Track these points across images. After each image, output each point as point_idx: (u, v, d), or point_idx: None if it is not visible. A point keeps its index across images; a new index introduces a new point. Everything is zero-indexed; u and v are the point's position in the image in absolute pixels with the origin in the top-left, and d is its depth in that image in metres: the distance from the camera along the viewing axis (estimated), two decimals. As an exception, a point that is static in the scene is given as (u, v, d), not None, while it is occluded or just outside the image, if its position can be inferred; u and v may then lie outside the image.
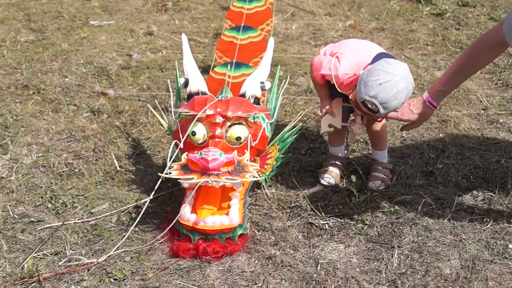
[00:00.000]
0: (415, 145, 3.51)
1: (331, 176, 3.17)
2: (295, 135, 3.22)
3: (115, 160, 3.34)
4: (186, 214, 2.66)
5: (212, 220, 2.62)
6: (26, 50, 4.80)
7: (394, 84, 2.56)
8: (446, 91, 2.85)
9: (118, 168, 3.28)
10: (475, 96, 4.05)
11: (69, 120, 3.77)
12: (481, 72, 4.32)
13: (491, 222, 2.86)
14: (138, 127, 3.70)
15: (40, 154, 3.44)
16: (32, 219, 2.91)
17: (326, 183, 3.16)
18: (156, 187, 2.81)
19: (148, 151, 3.46)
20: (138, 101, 3.98)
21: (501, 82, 4.24)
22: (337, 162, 3.24)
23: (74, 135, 3.62)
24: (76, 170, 3.29)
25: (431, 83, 4.14)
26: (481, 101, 3.98)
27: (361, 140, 3.49)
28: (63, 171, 3.28)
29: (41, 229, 2.84)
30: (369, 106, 2.65)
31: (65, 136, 3.62)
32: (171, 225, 2.68)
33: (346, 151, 3.40)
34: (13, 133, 3.64)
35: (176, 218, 2.67)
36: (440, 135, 3.61)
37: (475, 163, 3.31)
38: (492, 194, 3.06)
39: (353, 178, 3.17)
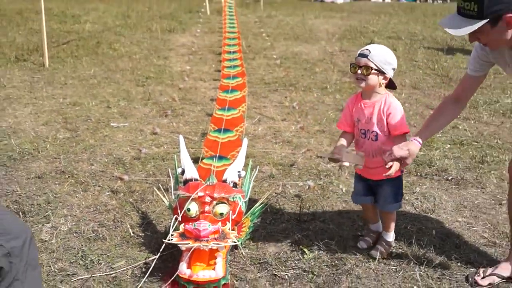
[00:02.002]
0: (348, 215, 3.56)
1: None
2: (262, 210, 3.28)
3: (129, 228, 3.34)
4: (183, 269, 2.66)
5: (202, 273, 2.64)
6: (63, 145, 4.80)
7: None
8: (427, 135, 2.82)
9: (132, 234, 3.28)
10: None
11: (95, 198, 3.77)
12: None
13: (402, 271, 2.92)
14: (146, 203, 3.70)
15: (73, 223, 3.42)
16: (68, 272, 2.89)
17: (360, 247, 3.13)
18: (161, 249, 2.85)
19: (154, 222, 3.46)
20: (146, 184, 4.00)
21: (406, 170, 4.35)
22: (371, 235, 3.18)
23: (99, 209, 3.62)
24: (101, 235, 3.28)
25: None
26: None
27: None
28: (90, 236, 3.27)
29: (75, 280, 2.82)
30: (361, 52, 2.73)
31: (92, 210, 3.61)
32: (173, 278, 2.68)
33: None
34: (53, 207, 3.62)
35: (176, 273, 2.68)
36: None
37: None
38: (403, 252, 3.11)
39: (305, 241, 3.22)
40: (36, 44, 9.00)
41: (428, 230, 3.36)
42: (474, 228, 3.41)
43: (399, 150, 2.61)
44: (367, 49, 2.71)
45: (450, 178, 4.17)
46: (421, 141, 2.69)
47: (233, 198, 2.92)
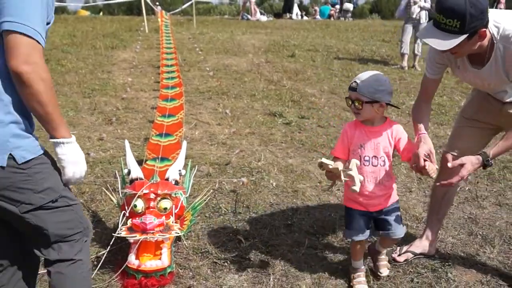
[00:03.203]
0: (279, 207, 3.59)
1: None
2: (202, 204, 3.25)
3: (80, 226, 3.22)
4: (132, 260, 2.61)
5: (150, 263, 2.59)
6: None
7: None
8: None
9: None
10: (313, 174, 4.20)
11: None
12: (314, 158, 4.51)
13: (325, 255, 2.97)
14: (96, 203, 3.57)
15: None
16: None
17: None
18: (111, 243, 2.74)
19: (103, 219, 3.35)
20: (95, 185, 3.86)
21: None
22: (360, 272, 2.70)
23: (50, 210, 3.47)
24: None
25: (285, 167, 4.29)
26: (317, 177, 4.14)
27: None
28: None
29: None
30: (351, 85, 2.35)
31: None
32: (122, 268, 2.61)
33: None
34: None
35: (125, 264, 2.61)
36: (294, 200, 3.71)
37: (316, 217, 3.44)
38: (328, 237, 3.18)
39: (241, 231, 3.21)
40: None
41: (348, 216, 3.43)
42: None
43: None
44: (355, 82, 2.35)
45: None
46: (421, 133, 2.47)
47: (175, 194, 2.87)
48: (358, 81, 2.33)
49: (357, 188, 2.17)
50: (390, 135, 2.46)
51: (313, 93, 6.93)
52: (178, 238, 3.00)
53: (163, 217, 2.73)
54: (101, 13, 24.75)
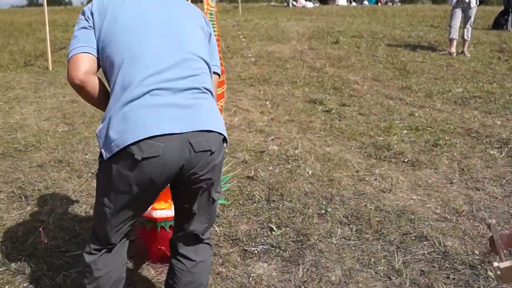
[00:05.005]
0: (313, 195, 3.49)
1: None
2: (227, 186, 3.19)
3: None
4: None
5: (160, 212, 2.47)
6: (62, 137, 4.69)
7: None
8: None
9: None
10: (350, 163, 4.09)
11: (87, 183, 3.65)
12: (353, 147, 4.39)
13: (360, 244, 2.86)
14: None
15: (68, 206, 3.33)
16: (62, 249, 2.82)
17: None
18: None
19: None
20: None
21: (366, 154, 4.31)
22: None
23: (90, 193, 3.50)
24: (91, 216, 3.16)
25: (322, 155, 4.18)
26: (354, 166, 4.02)
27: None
28: (83, 217, 3.18)
29: (68, 255, 2.76)
30: None
31: (85, 194, 3.51)
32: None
33: None
34: (52, 192, 3.52)
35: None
36: (329, 189, 3.61)
37: (351, 207, 3.33)
38: (362, 228, 3.06)
39: (273, 219, 3.15)
40: (42, 51, 8.94)
41: (386, 208, 3.30)
42: (428, 205, 3.35)
43: None
44: None
45: (406, 160, 4.12)
46: None
47: None
48: None
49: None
50: None
51: (355, 80, 6.75)
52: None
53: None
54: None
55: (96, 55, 1.81)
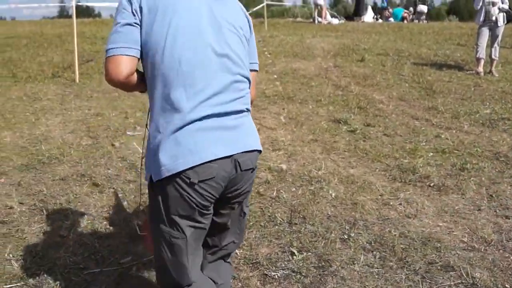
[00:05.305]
0: (336, 219, 3.41)
1: None
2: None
3: (137, 227, 3.20)
4: None
5: None
6: (85, 151, 4.70)
7: None
8: None
9: (139, 233, 3.13)
10: (374, 186, 3.99)
11: (109, 199, 3.66)
12: (377, 169, 4.29)
13: (383, 273, 2.76)
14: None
15: (89, 221, 3.32)
16: (80, 266, 2.80)
17: None
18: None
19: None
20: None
21: (391, 176, 4.20)
22: None
23: (112, 209, 3.49)
24: (111, 233, 3.17)
25: (346, 177, 4.10)
26: (378, 190, 3.92)
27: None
28: (103, 234, 3.16)
29: (86, 273, 2.73)
30: None
31: (106, 209, 3.49)
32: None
33: None
34: (73, 207, 3.52)
35: None
36: (353, 213, 3.52)
37: (375, 233, 3.23)
38: (386, 256, 2.96)
39: (294, 243, 3.07)
40: (69, 63, 8.98)
41: (411, 234, 3.19)
42: (454, 233, 3.24)
43: None
44: None
45: (432, 184, 4.00)
46: None
47: None
48: None
49: None
50: None
51: (381, 100, 6.65)
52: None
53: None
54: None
55: (138, 56, 1.74)
